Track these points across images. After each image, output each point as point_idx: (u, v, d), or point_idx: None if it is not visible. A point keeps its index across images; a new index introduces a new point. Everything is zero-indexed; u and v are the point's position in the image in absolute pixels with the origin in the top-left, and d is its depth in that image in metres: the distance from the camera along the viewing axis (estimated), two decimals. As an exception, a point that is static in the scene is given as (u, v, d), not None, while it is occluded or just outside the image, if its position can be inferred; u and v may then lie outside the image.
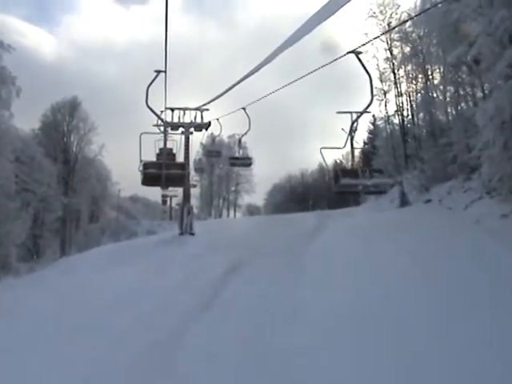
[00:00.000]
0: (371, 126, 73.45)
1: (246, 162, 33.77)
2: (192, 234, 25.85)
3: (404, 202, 32.65)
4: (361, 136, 70.41)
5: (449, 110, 36.83)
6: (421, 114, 42.58)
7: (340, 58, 14.50)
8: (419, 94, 41.96)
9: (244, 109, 26.05)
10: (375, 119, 72.29)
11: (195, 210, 32.14)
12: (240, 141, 33.34)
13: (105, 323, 10.26)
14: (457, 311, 9.44)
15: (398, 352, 7.85)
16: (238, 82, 17.05)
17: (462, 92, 32.15)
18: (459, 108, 31.86)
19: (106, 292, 13.32)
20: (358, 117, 18.86)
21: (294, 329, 9.25)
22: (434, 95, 38.37)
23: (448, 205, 25.34)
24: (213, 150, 41.93)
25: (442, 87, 36.03)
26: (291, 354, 8.06)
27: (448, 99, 33.05)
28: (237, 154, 35.37)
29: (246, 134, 29.13)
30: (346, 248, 17.10)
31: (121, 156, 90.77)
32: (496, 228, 17.24)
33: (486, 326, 8.57)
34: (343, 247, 17.31)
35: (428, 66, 41.18)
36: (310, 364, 7.67)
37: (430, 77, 41.05)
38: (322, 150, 19.71)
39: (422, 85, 41.91)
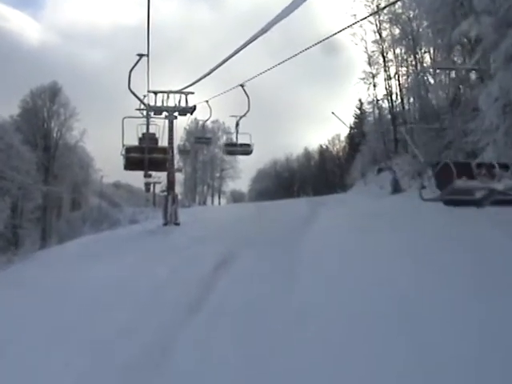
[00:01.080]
0: (357, 111, 72.85)
1: (247, 149, 27.82)
2: (177, 223, 24.69)
3: (396, 188, 31.51)
4: (347, 120, 69.70)
5: (440, 93, 35.99)
6: (411, 98, 41.67)
7: (310, 48, 13.59)
8: (410, 77, 40.73)
9: (242, 86, 23.90)
10: (362, 103, 71.88)
11: (179, 197, 30.52)
12: (238, 124, 27.23)
13: (76, 334, 9.04)
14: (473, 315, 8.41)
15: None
16: (224, 62, 15.88)
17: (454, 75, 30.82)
18: (454, 92, 30.51)
19: (82, 292, 11.96)
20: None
21: (297, 343, 8.05)
22: (426, 78, 37.36)
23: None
24: (202, 137, 38.38)
25: (432, 70, 34.87)
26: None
27: (443, 82, 31.45)
28: (235, 140, 27.90)
29: (245, 115, 26.27)
30: (344, 240, 15.87)
31: (103, 142, 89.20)
32: (501, 218, 16.21)
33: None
34: (341, 239, 16.07)
35: (418, 49, 40.11)
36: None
37: (421, 59, 40.00)
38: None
39: (412, 67, 40.74)
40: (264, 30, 11.31)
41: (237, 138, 28.14)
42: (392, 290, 10.07)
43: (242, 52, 13.42)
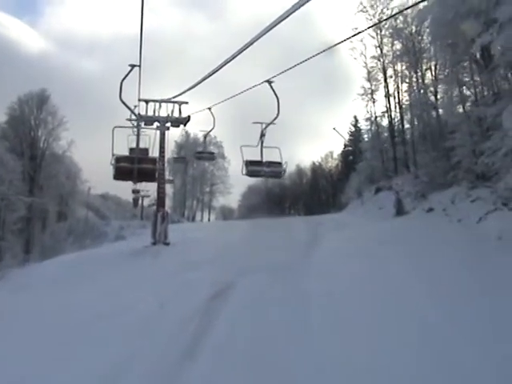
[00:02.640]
0: (352, 128, 71.59)
1: (277, 172, 22.67)
2: (166, 244, 22.92)
3: (400, 210, 29.74)
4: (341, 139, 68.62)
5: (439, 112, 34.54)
6: (410, 116, 40.26)
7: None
8: (413, 94, 39.20)
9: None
10: (357, 120, 70.65)
11: (167, 210, 28.21)
12: (263, 134, 26.53)
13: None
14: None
15: None
16: (217, 70, 14.68)
17: (466, 92, 29.20)
18: (463, 109, 28.85)
19: (50, 329, 10.05)
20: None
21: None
22: (430, 95, 35.92)
23: (455, 216, 22.65)
24: (204, 152, 33.77)
25: (440, 86, 33.37)
26: None
27: (452, 99, 29.74)
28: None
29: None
30: (353, 270, 14.20)
31: (92, 153, 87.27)
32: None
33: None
34: (352, 269, 14.35)
35: (425, 65, 38.72)
36: None
37: (423, 76, 38.57)
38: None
39: (415, 84, 39.26)
40: (256, 38, 10.96)
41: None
42: (426, 333, 8.79)
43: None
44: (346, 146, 73.23)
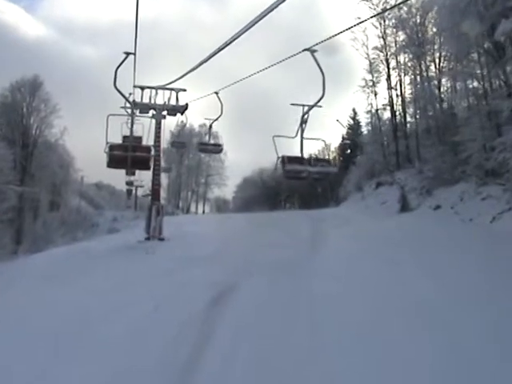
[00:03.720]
0: (351, 121, 70.42)
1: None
2: (161, 239, 21.89)
3: (405, 206, 28.58)
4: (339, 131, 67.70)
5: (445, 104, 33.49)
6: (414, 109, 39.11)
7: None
8: (418, 86, 37.98)
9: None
10: (355, 113, 69.45)
11: (162, 202, 26.78)
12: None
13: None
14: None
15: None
16: (212, 56, 14.35)
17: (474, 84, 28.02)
18: (476, 102, 27.59)
19: (23, 340, 8.89)
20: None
21: None
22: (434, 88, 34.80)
23: (466, 214, 21.61)
24: (208, 143, 33.80)
25: (446, 79, 32.18)
26: None
27: (463, 91, 28.48)
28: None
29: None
30: (363, 273, 13.05)
31: (87, 141, 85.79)
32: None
33: None
34: (359, 271, 13.23)
35: (429, 56, 37.58)
36: None
37: (433, 67, 37.41)
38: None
39: (419, 76, 38.07)
40: (255, 21, 10.79)
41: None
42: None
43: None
44: (344, 138, 72.11)
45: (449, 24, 26.35)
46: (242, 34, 11.58)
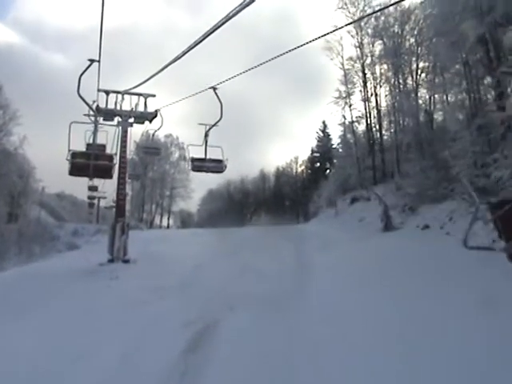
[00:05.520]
0: (320, 133, 69.23)
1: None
2: (126, 261, 19.85)
3: (388, 225, 26.77)
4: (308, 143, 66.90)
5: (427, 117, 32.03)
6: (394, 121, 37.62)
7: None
8: (398, 97, 36.57)
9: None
10: (325, 126, 68.23)
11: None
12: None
13: None
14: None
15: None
16: (178, 58, 13.51)
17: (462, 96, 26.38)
18: (470, 114, 25.69)
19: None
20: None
21: None
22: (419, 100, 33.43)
23: (459, 235, 19.70)
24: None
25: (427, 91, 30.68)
26: None
27: (456, 104, 26.63)
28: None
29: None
30: (366, 312, 11.03)
31: (51, 150, 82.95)
32: None
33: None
34: (361, 309, 11.20)
35: (407, 68, 36.35)
36: None
37: (412, 79, 36.12)
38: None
39: (399, 87, 36.70)
40: (216, 27, 10.51)
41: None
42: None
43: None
44: (313, 151, 70.81)
45: (443, 29, 24.70)
46: (211, 34, 11.02)
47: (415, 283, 13.07)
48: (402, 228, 26.01)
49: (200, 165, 22.77)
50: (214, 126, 22.12)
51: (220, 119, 19.61)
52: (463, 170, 23.48)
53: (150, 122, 23.12)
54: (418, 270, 14.84)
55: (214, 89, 18.97)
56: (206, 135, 22.45)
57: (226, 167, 23.11)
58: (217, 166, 22.89)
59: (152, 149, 32.14)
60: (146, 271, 17.47)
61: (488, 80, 24.30)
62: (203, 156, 22.69)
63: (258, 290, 13.52)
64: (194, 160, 23.13)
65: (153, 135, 28.96)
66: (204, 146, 22.64)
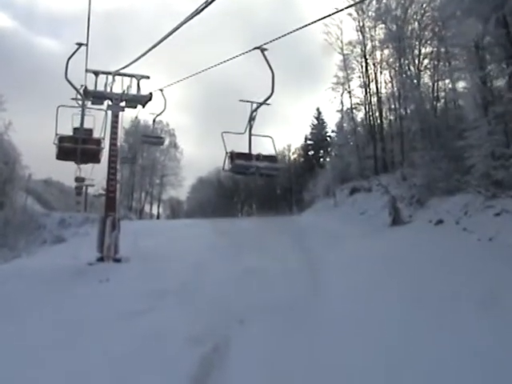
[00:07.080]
0: (315, 121, 67.81)
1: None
2: (118, 260, 18.24)
3: (396, 218, 25.09)
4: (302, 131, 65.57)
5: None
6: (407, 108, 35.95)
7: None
8: (405, 83, 34.83)
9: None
10: (319, 112, 66.69)
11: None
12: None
13: None
14: None
15: None
16: (167, 36, 12.80)
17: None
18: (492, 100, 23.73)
19: None
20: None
21: None
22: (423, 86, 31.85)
23: (478, 232, 18.22)
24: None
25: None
26: None
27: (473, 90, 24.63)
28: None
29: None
30: (404, 325, 9.47)
31: (39, 136, 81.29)
32: None
33: None
34: (398, 323, 9.59)
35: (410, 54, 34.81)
36: None
37: (414, 65, 34.52)
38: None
39: (408, 72, 34.98)
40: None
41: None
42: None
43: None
44: (307, 139, 69.28)
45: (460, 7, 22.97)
46: (188, 20, 10.93)
47: (447, 293, 11.36)
48: (412, 222, 24.38)
49: (247, 164, 15.82)
50: (263, 103, 15.38)
51: (272, 93, 14.75)
52: (479, 162, 21.93)
53: (144, 106, 21.61)
54: (444, 275, 13.07)
55: (263, 50, 14.61)
56: (252, 118, 15.68)
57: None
58: (269, 166, 16.04)
59: (154, 138, 28.53)
60: (140, 272, 15.70)
61: (503, 66, 22.63)
62: (247, 150, 15.86)
63: (267, 297, 11.94)
64: (235, 156, 16.13)
65: (154, 121, 26.20)
66: (248, 135, 15.81)
